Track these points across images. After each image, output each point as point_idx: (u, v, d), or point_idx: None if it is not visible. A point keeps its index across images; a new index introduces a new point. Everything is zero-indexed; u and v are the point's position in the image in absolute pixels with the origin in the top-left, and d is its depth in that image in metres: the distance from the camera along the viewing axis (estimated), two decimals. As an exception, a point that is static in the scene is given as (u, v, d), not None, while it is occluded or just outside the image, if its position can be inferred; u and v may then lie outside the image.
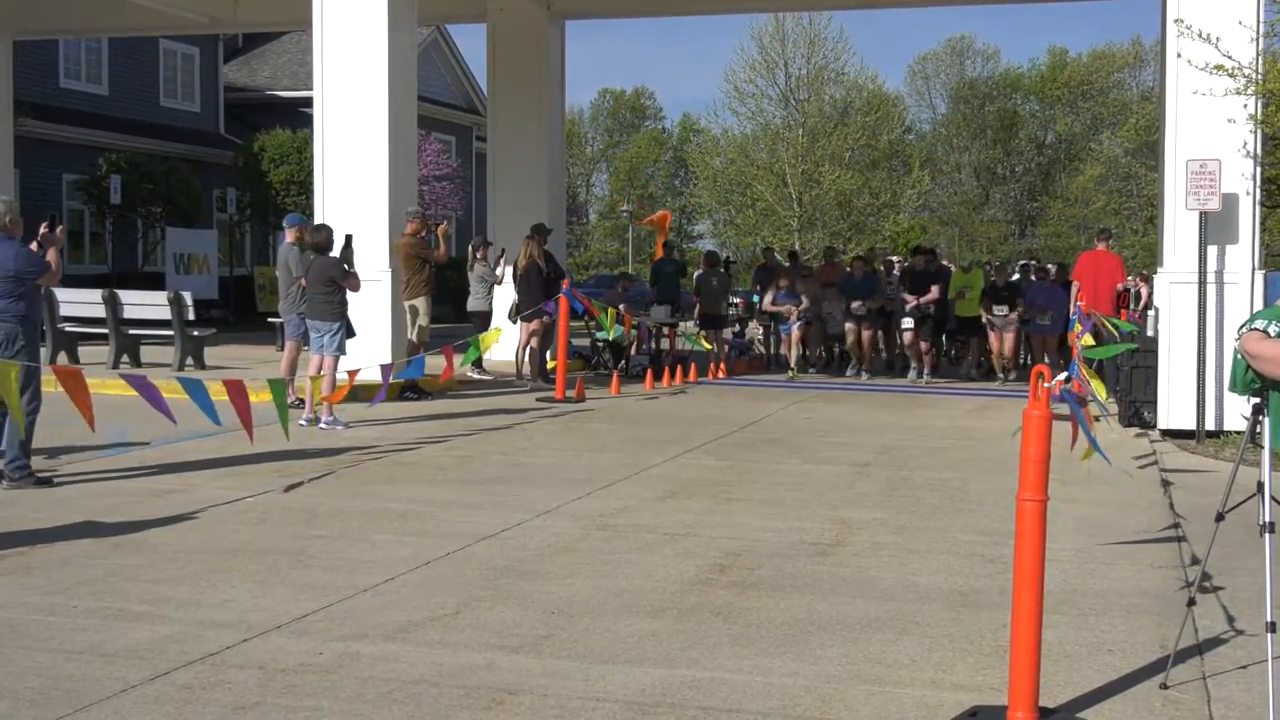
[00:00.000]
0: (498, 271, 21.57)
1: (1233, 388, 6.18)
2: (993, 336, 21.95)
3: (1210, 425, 15.09)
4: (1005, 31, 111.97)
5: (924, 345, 22.20)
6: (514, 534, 9.58)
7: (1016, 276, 24.68)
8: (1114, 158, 71.64)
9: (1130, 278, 28.86)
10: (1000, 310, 21.68)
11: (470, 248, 22.33)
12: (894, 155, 69.56)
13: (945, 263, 25.60)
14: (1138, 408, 16.28)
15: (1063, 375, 10.20)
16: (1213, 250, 15.21)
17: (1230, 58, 14.89)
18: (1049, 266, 24.81)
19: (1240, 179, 15.20)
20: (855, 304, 22.76)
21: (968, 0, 31.10)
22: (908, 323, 22.05)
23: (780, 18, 62.50)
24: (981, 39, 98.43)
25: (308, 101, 23.53)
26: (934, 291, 22.27)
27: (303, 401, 15.46)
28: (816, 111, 64.27)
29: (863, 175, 64.50)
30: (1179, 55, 15.20)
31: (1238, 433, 14.85)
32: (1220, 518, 6.38)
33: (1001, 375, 22.16)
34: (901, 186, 67.54)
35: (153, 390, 10.33)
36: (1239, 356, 6.03)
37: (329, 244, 15.52)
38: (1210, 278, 15.19)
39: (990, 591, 7.96)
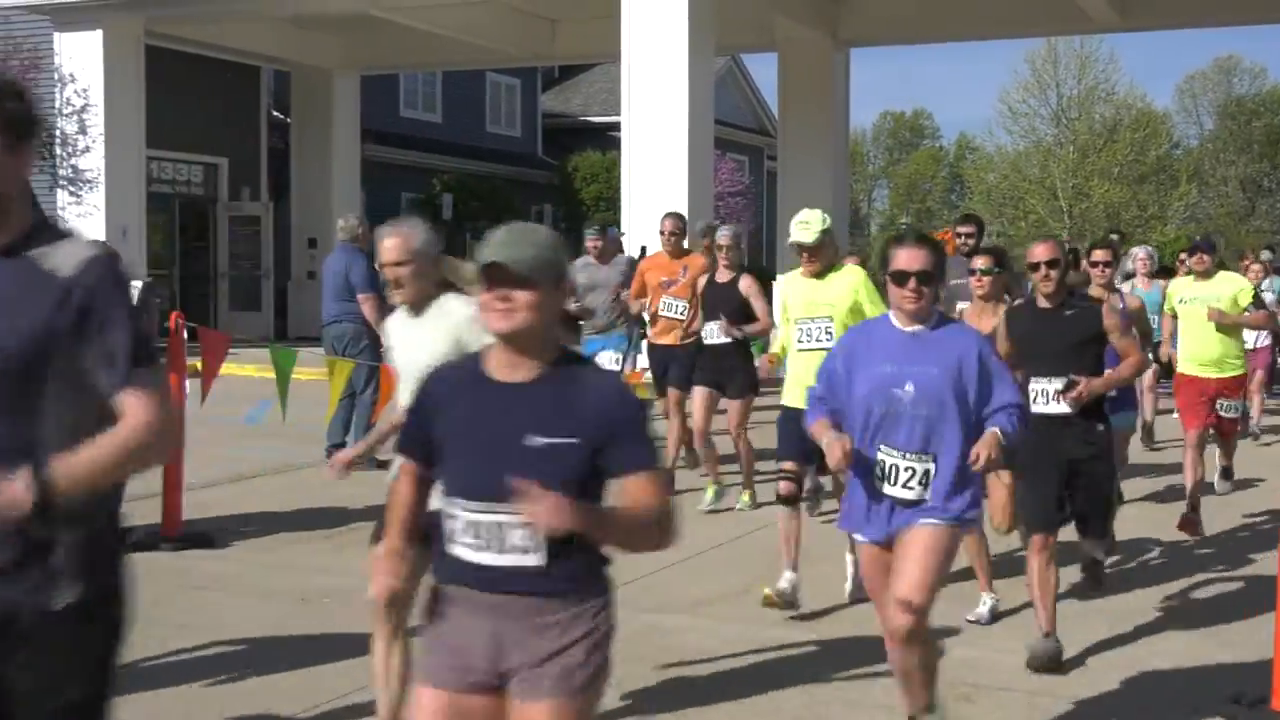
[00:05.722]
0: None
1: None
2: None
3: None
4: (1273, 50, 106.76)
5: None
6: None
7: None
8: (1381, 170, 67.86)
9: None
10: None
11: None
12: (1161, 170, 67.05)
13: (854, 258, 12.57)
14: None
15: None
16: None
17: None
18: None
19: None
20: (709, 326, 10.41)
21: (1236, 21, 29.79)
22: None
23: (1053, 41, 60.87)
24: (1249, 58, 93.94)
25: (616, 126, 23.93)
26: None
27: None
28: (1087, 129, 62.51)
29: (1131, 189, 62.46)
30: None
31: None
32: None
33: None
34: (1169, 199, 65.19)
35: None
36: None
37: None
38: None
39: (1256, 590, 7.67)
